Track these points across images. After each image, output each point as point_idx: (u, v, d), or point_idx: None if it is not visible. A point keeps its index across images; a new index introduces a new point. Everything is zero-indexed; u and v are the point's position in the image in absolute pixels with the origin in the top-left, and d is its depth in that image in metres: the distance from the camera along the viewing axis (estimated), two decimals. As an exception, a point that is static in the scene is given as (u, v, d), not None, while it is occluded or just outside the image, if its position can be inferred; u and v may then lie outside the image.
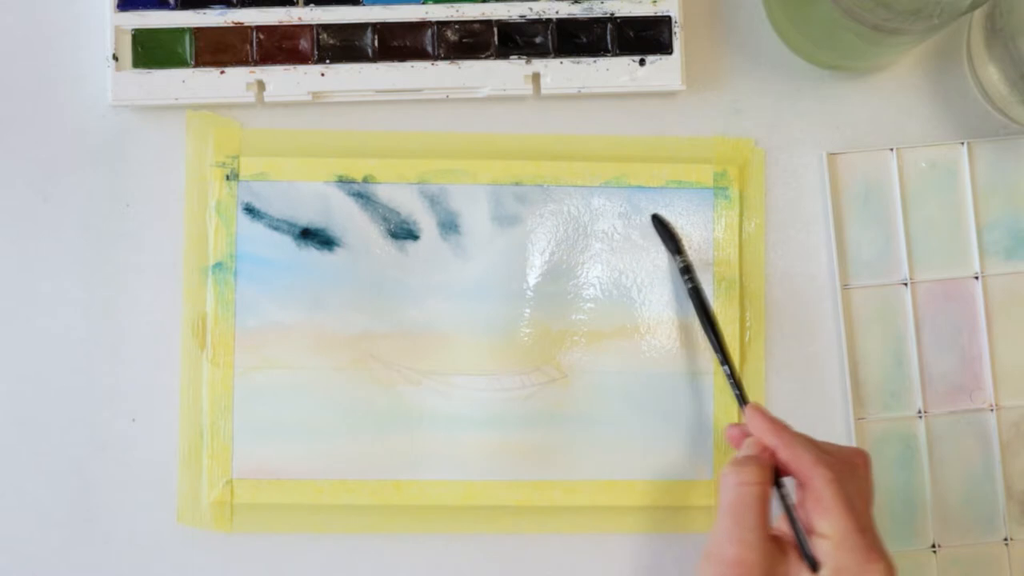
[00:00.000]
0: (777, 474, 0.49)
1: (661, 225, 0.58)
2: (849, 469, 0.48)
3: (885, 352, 0.59)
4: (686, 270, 0.57)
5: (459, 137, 0.59)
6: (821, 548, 0.46)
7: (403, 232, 0.58)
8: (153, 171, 0.59)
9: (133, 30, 0.58)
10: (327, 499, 0.57)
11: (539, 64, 0.58)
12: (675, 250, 0.58)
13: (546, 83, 0.58)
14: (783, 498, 0.49)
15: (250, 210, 0.58)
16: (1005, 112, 0.59)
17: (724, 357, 0.56)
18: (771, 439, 0.49)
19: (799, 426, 0.58)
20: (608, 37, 0.58)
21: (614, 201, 0.59)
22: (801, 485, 0.48)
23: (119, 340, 0.58)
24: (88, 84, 0.59)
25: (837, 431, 0.59)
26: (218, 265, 0.58)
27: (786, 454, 0.48)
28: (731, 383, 0.55)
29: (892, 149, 0.59)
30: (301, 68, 0.58)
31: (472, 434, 0.58)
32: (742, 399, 0.54)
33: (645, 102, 0.59)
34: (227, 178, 0.58)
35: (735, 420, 0.58)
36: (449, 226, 0.59)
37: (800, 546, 0.47)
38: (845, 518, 0.46)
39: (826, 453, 0.48)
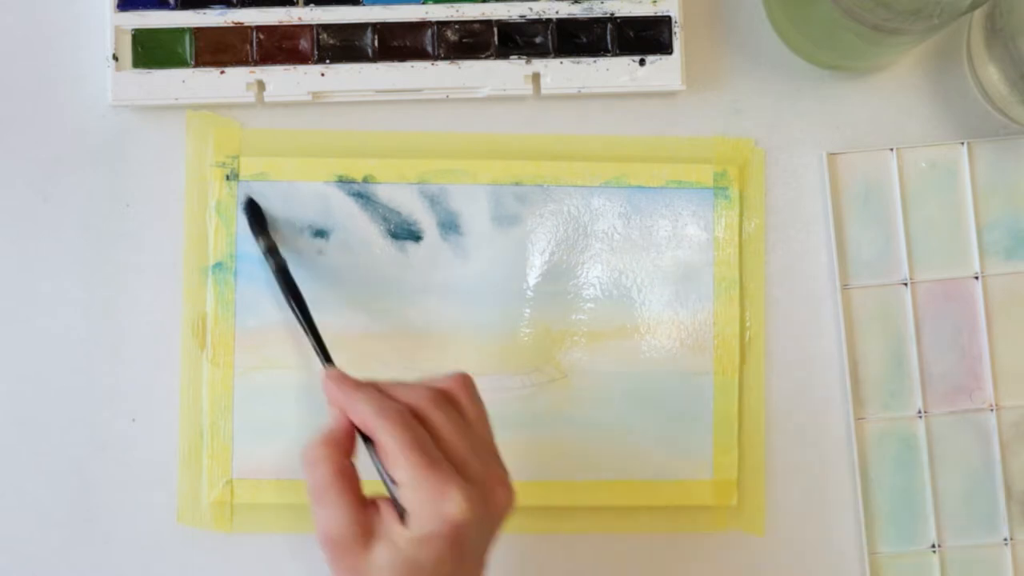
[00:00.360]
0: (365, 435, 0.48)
1: (252, 210, 0.57)
2: (430, 404, 0.47)
3: (885, 352, 0.59)
4: (270, 251, 0.56)
5: (459, 137, 0.59)
6: (403, 497, 0.45)
7: (403, 232, 0.58)
8: (153, 171, 0.59)
9: (133, 30, 0.58)
10: (327, 499, 0.57)
11: (539, 64, 0.58)
12: (259, 232, 0.57)
13: (546, 83, 0.58)
14: (372, 456, 0.48)
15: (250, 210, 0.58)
16: (1005, 112, 0.59)
17: (306, 324, 0.54)
18: (341, 403, 0.48)
19: (798, 425, 0.59)
20: (608, 37, 0.58)
21: (614, 201, 0.59)
22: (375, 441, 0.47)
23: (119, 340, 0.58)
24: (88, 84, 0.59)
25: (837, 431, 0.59)
26: (218, 265, 0.58)
27: (354, 415, 0.47)
28: (314, 347, 0.53)
29: (892, 149, 0.59)
30: (301, 68, 0.58)
31: (472, 434, 0.58)
32: (324, 362, 0.53)
33: (645, 102, 0.59)
34: (227, 178, 0.58)
35: (735, 420, 0.58)
36: (449, 226, 0.59)
37: (392, 500, 0.46)
38: (410, 459, 0.45)
39: (395, 399, 0.47)
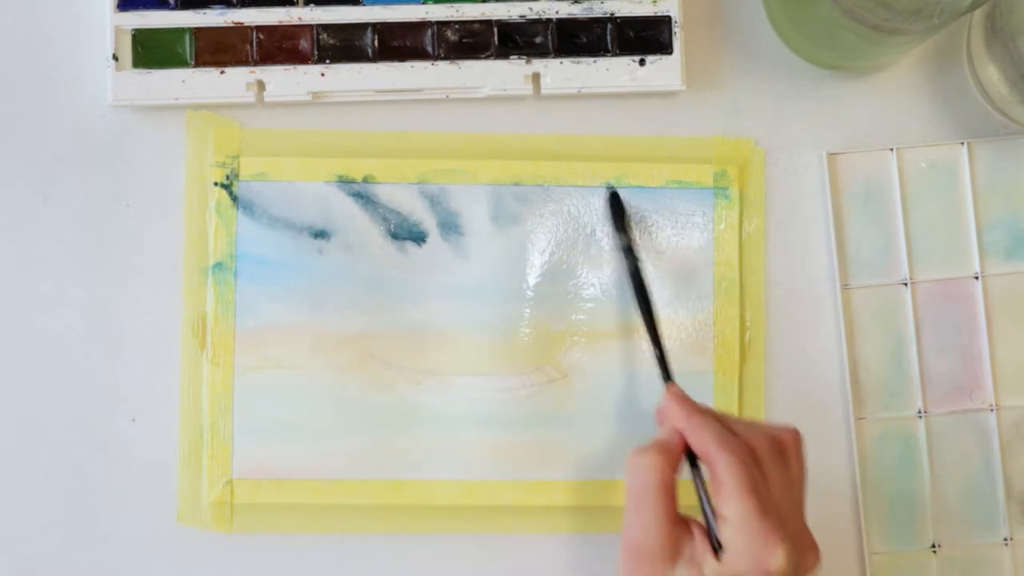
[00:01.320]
0: (695, 457, 0.49)
1: (616, 202, 0.58)
2: (767, 451, 0.47)
3: (885, 352, 0.59)
4: (629, 248, 0.56)
5: (459, 137, 0.59)
6: (724, 532, 0.46)
7: (403, 232, 0.58)
8: (153, 171, 0.59)
9: (133, 30, 0.58)
10: (327, 499, 0.57)
11: (539, 64, 0.58)
12: (621, 227, 0.57)
13: (546, 83, 0.58)
14: (697, 481, 0.49)
15: (250, 210, 0.58)
16: (1005, 112, 0.59)
17: (654, 336, 0.54)
18: (680, 423, 0.49)
19: (798, 426, 0.58)
20: (608, 37, 0.58)
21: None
22: (709, 469, 0.48)
23: (119, 340, 0.58)
24: (88, 84, 0.59)
25: (837, 431, 0.59)
26: (218, 265, 0.58)
27: (693, 438, 0.48)
28: (658, 362, 0.54)
29: (892, 149, 0.59)
30: (301, 68, 0.58)
31: (472, 434, 0.58)
32: (666, 379, 0.54)
33: (645, 102, 0.59)
34: (227, 178, 0.58)
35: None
36: (449, 226, 0.59)
37: (708, 529, 0.47)
38: (745, 501, 0.45)
39: (736, 436, 0.47)
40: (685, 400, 0.50)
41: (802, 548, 0.47)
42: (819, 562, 0.47)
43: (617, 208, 0.58)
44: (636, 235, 0.58)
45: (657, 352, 0.54)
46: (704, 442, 0.47)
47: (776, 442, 0.48)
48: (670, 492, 0.47)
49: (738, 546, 0.45)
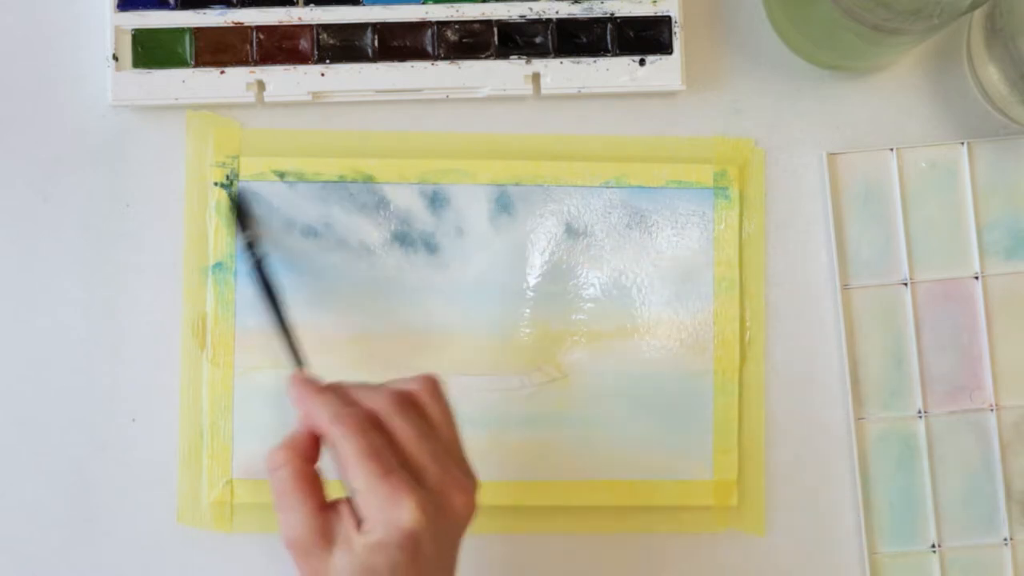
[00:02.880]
0: None
1: (238, 203, 0.57)
2: (392, 408, 0.46)
3: (885, 352, 0.59)
4: (250, 246, 0.56)
5: (459, 137, 0.59)
6: (358, 503, 0.45)
7: (403, 232, 0.58)
8: (153, 171, 0.59)
9: (133, 30, 0.58)
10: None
11: (539, 64, 0.58)
12: (244, 226, 0.57)
13: (546, 83, 0.58)
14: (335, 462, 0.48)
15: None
16: (1005, 112, 0.59)
17: (280, 323, 0.54)
18: (300, 409, 0.48)
19: (798, 426, 0.59)
20: (608, 37, 0.58)
21: (614, 201, 0.59)
22: (331, 448, 0.47)
23: (119, 340, 0.58)
24: (88, 84, 0.59)
25: (837, 431, 0.59)
26: (218, 265, 0.58)
27: (310, 422, 0.47)
28: (285, 348, 0.53)
29: (892, 149, 0.59)
30: (301, 68, 0.58)
31: (472, 434, 0.58)
32: (295, 364, 0.53)
33: (645, 102, 0.59)
34: (227, 178, 0.58)
35: (735, 420, 0.58)
36: (449, 226, 0.59)
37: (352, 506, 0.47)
38: (365, 466, 0.45)
39: (354, 404, 0.47)
40: (305, 383, 0.49)
41: (447, 492, 0.46)
42: (472, 501, 0.47)
43: (242, 208, 0.57)
44: (259, 230, 0.57)
45: (285, 340, 0.53)
46: (320, 421, 0.47)
47: (401, 396, 0.47)
48: (310, 482, 0.47)
49: (372, 512, 0.45)
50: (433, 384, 0.49)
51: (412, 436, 0.46)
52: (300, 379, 0.49)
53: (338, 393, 0.48)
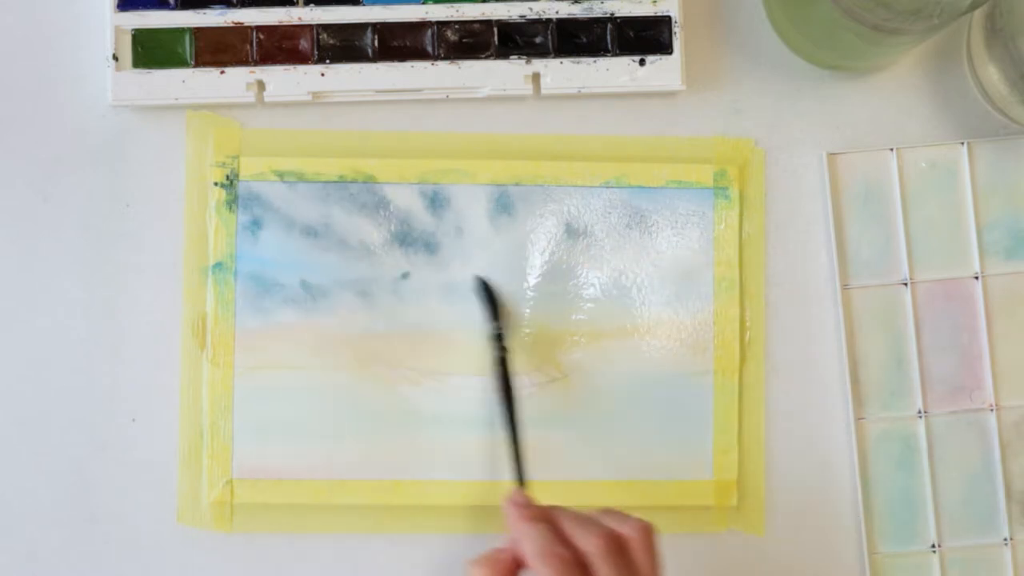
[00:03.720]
0: None
1: (484, 289, 0.57)
2: (602, 554, 0.46)
3: (885, 352, 0.59)
4: (499, 337, 0.56)
5: (459, 137, 0.59)
6: None
7: (403, 232, 0.58)
8: (153, 171, 0.59)
9: (133, 30, 0.58)
10: (327, 499, 0.57)
11: (539, 64, 0.58)
12: (493, 316, 0.57)
13: (546, 83, 0.58)
14: None
15: (250, 210, 0.58)
16: (1005, 112, 0.59)
17: (514, 436, 0.54)
18: (512, 532, 0.49)
19: (798, 426, 0.58)
20: (608, 37, 0.58)
21: (614, 201, 0.59)
22: None
23: (119, 340, 0.58)
24: (88, 84, 0.59)
25: (837, 431, 0.59)
26: (218, 265, 0.58)
27: (520, 549, 0.48)
28: (511, 460, 0.54)
29: (892, 149, 0.59)
30: (301, 68, 0.58)
31: (472, 434, 0.58)
32: (517, 481, 0.54)
33: (645, 102, 0.59)
34: (227, 178, 0.58)
35: (735, 421, 0.58)
36: (449, 226, 0.59)
37: None
38: None
39: (565, 541, 0.47)
40: (521, 507, 0.49)
41: None
42: None
43: (488, 295, 0.57)
44: (506, 323, 0.57)
45: (513, 452, 0.54)
46: (528, 553, 0.47)
47: (614, 541, 0.47)
48: None
49: None
50: (648, 533, 0.48)
51: None
52: (517, 500, 0.50)
53: (550, 525, 0.48)
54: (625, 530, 0.47)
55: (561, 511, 0.49)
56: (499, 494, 0.57)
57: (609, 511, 0.49)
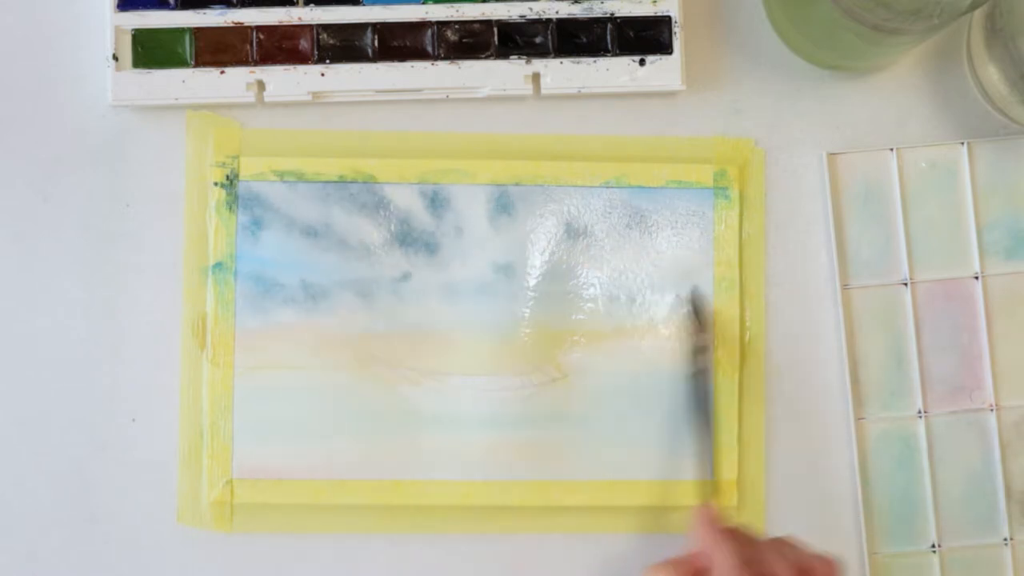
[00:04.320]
0: None
1: (697, 301, 0.58)
2: None
3: (885, 352, 0.59)
4: (701, 351, 0.57)
5: (459, 137, 0.59)
6: None
7: (403, 232, 0.58)
8: (153, 171, 0.59)
9: (133, 30, 0.58)
10: (327, 499, 0.57)
11: (539, 64, 0.58)
12: (700, 328, 0.57)
13: (546, 83, 0.58)
14: None
15: (250, 210, 0.58)
16: (1005, 112, 0.59)
17: (706, 444, 0.55)
18: (704, 543, 0.50)
19: (798, 426, 0.58)
20: (608, 37, 0.58)
21: (614, 201, 0.59)
22: None
23: (119, 340, 0.58)
24: (88, 84, 0.59)
25: (837, 431, 0.59)
26: (218, 265, 0.58)
27: (703, 561, 0.49)
28: (703, 470, 0.55)
29: (892, 149, 0.59)
30: (301, 68, 0.58)
31: (472, 434, 0.58)
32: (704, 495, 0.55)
33: (645, 102, 0.59)
34: (227, 178, 0.58)
35: (735, 421, 0.58)
36: (449, 226, 0.59)
37: None
38: None
39: (759, 563, 0.47)
40: (711, 522, 0.51)
41: None
42: None
43: (701, 309, 0.58)
44: (712, 337, 0.57)
45: (704, 465, 0.55)
46: (718, 567, 0.48)
47: (805, 572, 0.48)
48: None
49: None
50: (835, 569, 0.49)
51: None
52: (709, 513, 0.51)
53: (742, 544, 0.49)
54: (815, 564, 0.48)
55: (751, 532, 0.50)
56: (499, 494, 0.57)
57: (792, 539, 0.50)
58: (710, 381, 0.57)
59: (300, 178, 0.58)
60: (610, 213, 0.59)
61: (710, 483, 0.55)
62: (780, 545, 0.49)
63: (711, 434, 0.56)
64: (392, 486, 0.58)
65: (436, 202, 0.59)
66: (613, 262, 0.59)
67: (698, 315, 0.57)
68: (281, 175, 0.58)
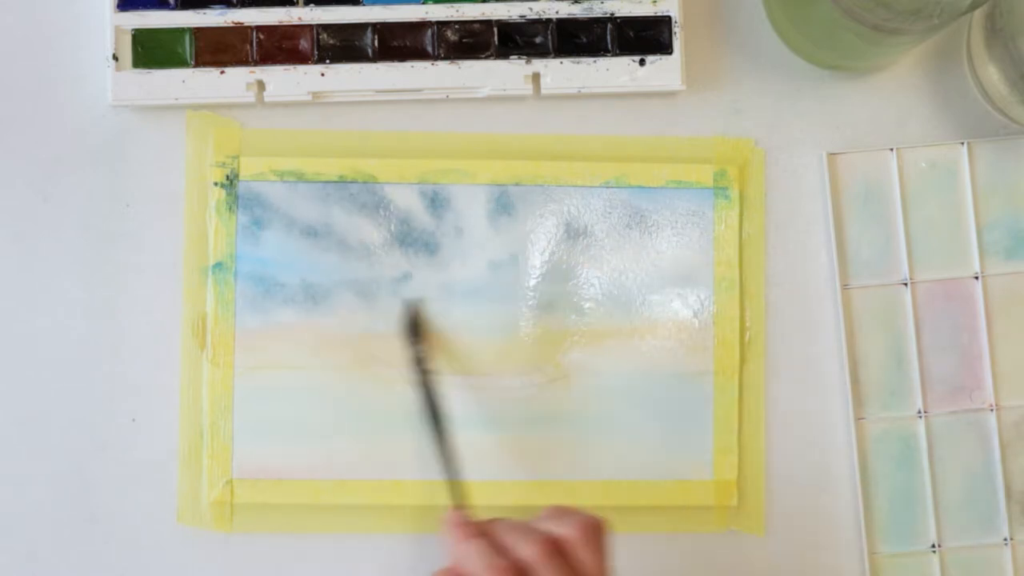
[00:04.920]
0: None
1: (410, 314, 0.57)
2: (543, 559, 0.46)
3: (885, 352, 0.59)
4: (420, 361, 0.56)
5: (459, 137, 0.59)
6: None
7: (403, 232, 0.58)
8: (153, 171, 0.59)
9: (133, 30, 0.58)
10: (327, 499, 0.57)
11: (539, 64, 0.58)
12: (415, 339, 0.57)
13: (546, 83, 0.58)
14: None
15: (250, 210, 0.58)
16: (1005, 112, 0.59)
17: (446, 456, 0.54)
18: (453, 552, 0.48)
19: (798, 426, 0.58)
20: (608, 37, 0.58)
21: (614, 201, 0.59)
22: None
23: (119, 340, 0.58)
24: (88, 84, 0.59)
25: (837, 431, 0.59)
26: (218, 265, 0.58)
27: (461, 569, 0.47)
28: (446, 480, 0.54)
29: (892, 149, 0.59)
30: (301, 68, 0.58)
31: (472, 434, 0.58)
32: (453, 502, 0.53)
33: (645, 102, 0.59)
34: (227, 178, 0.58)
35: (735, 420, 0.58)
36: (449, 226, 0.59)
37: None
38: None
39: (505, 553, 0.46)
40: (459, 526, 0.49)
41: None
42: None
43: (417, 320, 0.57)
44: (430, 345, 0.57)
45: (447, 471, 0.54)
46: (471, 572, 0.46)
47: (553, 545, 0.46)
48: None
49: None
50: (589, 529, 0.47)
51: None
52: (454, 520, 0.49)
53: (491, 539, 0.47)
54: (564, 531, 0.47)
55: (500, 523, 0.49)
56: (499, 494, 0.57)
57: (556, 510, 0.49)
58: (434, 386, 0.55)
59: (300, 178, 0.58)
60: (610, 213, 0.59)
61: (457, 485, 0.53)
62: (526, 528, 0.48)
63: (449, 437, 0.54)
64: (392, 486, 0.58)
65: (436, 202, 0.59)
66: (613, 262, 0.59)
67: (414, 326, 0.57)
68: (281, 175, 0.58)
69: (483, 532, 0.48)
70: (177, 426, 0.58)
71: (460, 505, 0.53)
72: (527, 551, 0.46)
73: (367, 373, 0.58)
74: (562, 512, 0.48)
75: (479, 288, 0.58)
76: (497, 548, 0.47)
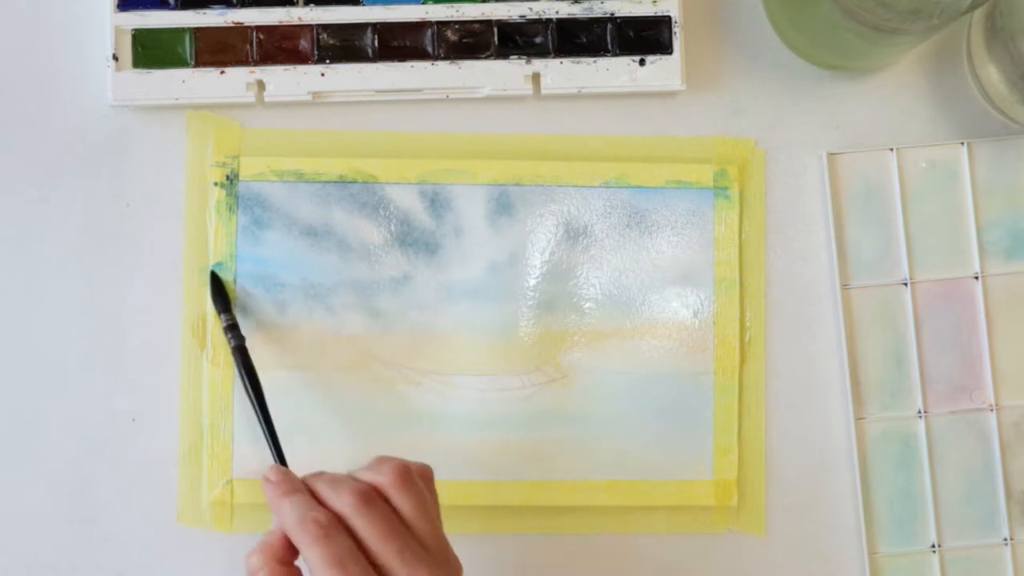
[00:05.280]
0: None
1: (214, 283, 0.57)
2: (359, 505, 0.46)
3: (885, 352, 0.59)
4: (231, 328, 0.56)
5: (459, 137, 0.59)
6: None
7: (403, 232, 0.58)
8: (153, 171, 0.59)
9: (133, 30, 0.58)
10: (327, 499, 0.57)
11: (539, 64, 0.58)
12: (222, 308, 0.57)
13: (546, 83, 0.58)
14: None
15: (250, 210, 0.58)
16: (1005, 112, 0.59)
17: (264, 417, 0.54)
18: (273, 509, 0.47)
19: (798, 426, 0.58)
20: (608, 37, 0.58)
21: (614, 201, 0.59)
22: None
23: (119, 340, 0.58)
24: (88, 84, 0.59)
25: (837, 431, 0.59)
26: (218, 265, 0.58)
27: (281, 526, 0.47)
28: (266, 440, 0.54)
29: (892, 149, 0.59)
30: (301, 68, 0.58)
31: (472, 434, 0.58)
32: (275, 459, 0.53)
33: (645, 102, 0.59)
34: (227, 178, 0.58)
35: (735, 420, 0.58)
36: (449, 226, 0.59)
37: None
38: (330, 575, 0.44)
39: (321, 505, 0.46)
40: (276, 484, 0.48)
41: None
42: None
43: (217, 289, 0.57)
44: (235, 314, 0.57)
45: (266, 431, 0.54)
46: (287, 527, 0.46)
47: (366, 493, 0.46)
48: None
49: None
50: (402, 474, 0.47)
51: (376, 535, 0.45)
52: (272, 480, 0.48)
53: (306, 494, 0.47)
54: (377, 478, 0.47)
55: (316, 477, 0.48)
56: (499, 494, 0.57)
57: (376, 460, 0.48)
58: (247, 356, 0.55)
59: (300, 178, 0.58)
60: (610, 213, 0.59)
61: (274, 444, 0.53)
62: (340, 479, 0.47)
63: (262, 401, 0.54)
64: (392, 486, 0.58)
65: (436, 202, 0.59)
66: (613, 262, 0.59)
67: (218, 295, 0.57)
68: (281, 175, 0.58)
69: (299, 488, 0.47)
70: (177, 426, 0.58)
71: (278, 464, 0.52)
72: (341, 502, 0.46)
73: (367, 373, 0.58)
74: (380, 461, 0.48)
75: (479, 288, 0.58)
76: (312, 502, 0.46)
